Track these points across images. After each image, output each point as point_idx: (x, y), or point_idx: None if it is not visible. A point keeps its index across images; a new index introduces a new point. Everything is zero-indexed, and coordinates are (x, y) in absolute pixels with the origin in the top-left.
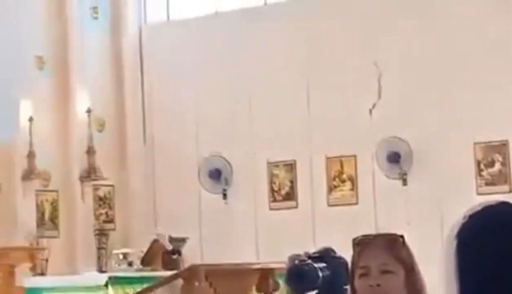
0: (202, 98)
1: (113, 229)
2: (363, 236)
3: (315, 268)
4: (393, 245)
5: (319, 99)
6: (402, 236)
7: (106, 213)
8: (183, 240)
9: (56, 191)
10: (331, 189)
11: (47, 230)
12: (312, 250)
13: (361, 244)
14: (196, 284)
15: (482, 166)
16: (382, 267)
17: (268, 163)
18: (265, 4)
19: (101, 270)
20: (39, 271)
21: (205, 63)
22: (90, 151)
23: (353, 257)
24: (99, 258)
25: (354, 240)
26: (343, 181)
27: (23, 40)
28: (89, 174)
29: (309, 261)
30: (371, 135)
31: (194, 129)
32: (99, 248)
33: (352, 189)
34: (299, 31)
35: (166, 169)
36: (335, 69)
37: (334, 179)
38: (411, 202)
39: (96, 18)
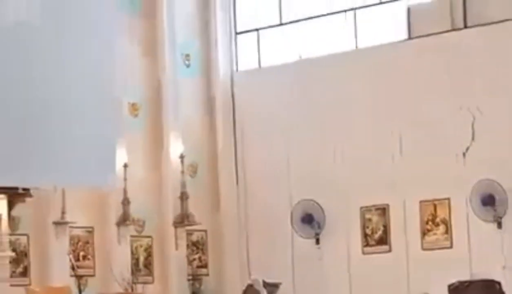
0: (294, 142)
1: (207, 274)
2: (459, 282)
3: None
4: (490, 291)
5: (412, 143)
6: (499, 283)
7: (200, 258)
8: (276, 286)
9: (150, 237)
10: (424, 232)
11: (141, 275)
12: None
13: (457, 290)
14: None
15: None
16: None
17: (361, 207)
18: (356, 48)
19: None
20: None
21: (296, 108)
22: (183, 197)
23: None
24: None
25: (449, 286)
26: (436, 225)
27: (118, 88)
28: (183, 219)
29: None
30: (464, 179)
31: (286, 174)
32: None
33: (446, 233)
34: (389, 76)
35: (259, 214)
36: (427, 113)
37: (427, 223)
38: (507, 245)
39: (188, 65)
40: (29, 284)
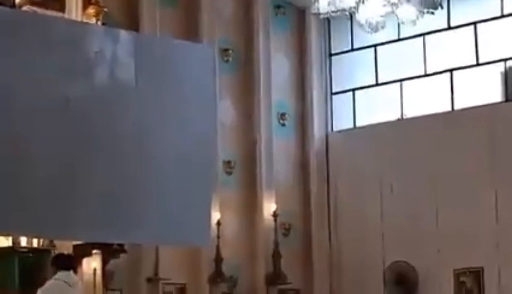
0: (388, 203)
1: None
2: None
3: None
4: None
5: (508, 203)
6: None
7: None
8: None
9: None
10: None
11: None
12: None
13: None
14: None
15: None
16: None
17: (455, 270)
18: (452, 110)
19: None
20: None
21: (391, 168)
22: (275, 255)
23: None
24: None
25: None
26: None
27: (214, 146)
28: (275, 278)
29: None
30: None
31: (379, 235)
32: None
33: None
34: (489, 137)
35: (351, 275)
36: None
37: None
38: None
39: (283, 124)
40: None
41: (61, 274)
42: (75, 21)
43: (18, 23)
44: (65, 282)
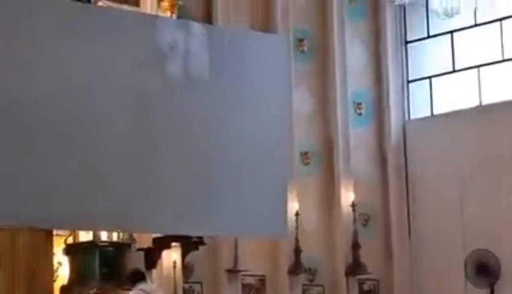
0: (468, 191)
1: None
2: None
3: None
4: None
5: None
6: None
7: None
8: None
9: (322, 286)
10: None
11: None
12: None
13: None
14: None
15: None
16: None
17: None
18: None
19: None
20: None
21: (471, 156)
22: (355, 246)
23: None
24: None
25: None
26: None
27: (291, 137)
28: (355, 268)
29: None
30: None
31: (460, 224)
32: None
33: None
34: None
35: (432, 264)
36: None
37: None
38: None
39: (360, 114)
40: None
41: (139, 285)
42: (146, 14)
43: (91, 19)
44: (144, 291)
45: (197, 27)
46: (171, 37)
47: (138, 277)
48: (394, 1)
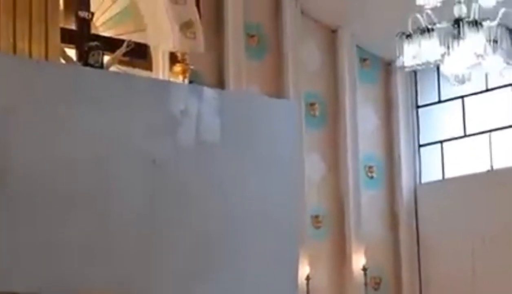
0: (481, 258)
1: None
2: None
3: None
4: None
5: None
6: None
7: None
8: None
9: None
10: None
11: None
12: None
13: None
14: None
15: None
16: None
17: None
18: None
19: None
20: None
21: (483, 221)
22: None
23: None
24: None
25: None
26: None
27: (301, 201)
28: None
29: None
30: None
31: (470, 288)
32: None
33: None
34: None
35: None
36: None
37: None
38: None
39: (371, 177)
40: None
41: None
42: (159, 80)
43: (103, 85)
44: None
45: (209, 92)
46: (184, 103)
47: None
48: (405, 67)
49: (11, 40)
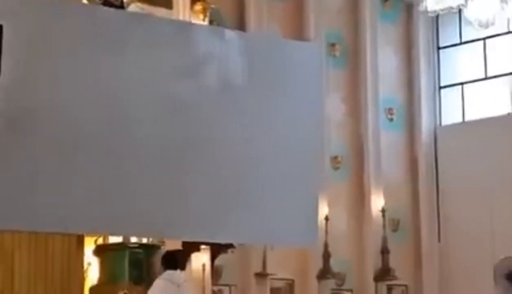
0: (498, 198)
1: None
2: None
3: None
4: None
5: None
6: None
7: None
8: None
9: (351, 291)
10: None
11: None
12: None
13: None
14: None
15: None
16: None
17: None
18: None
19: None
20: None
21: (502, 163)
22: (384, 251)
23: None
24: None
25: None
26: None
27: (321, 142)
28: (383, 274)
29: None
30: None
31: (489, 231)
32: None
33: None
34: None
35: (460, 271)
36: None
37: None
38: None
39: (391, 119)
40: None
41: (167, 273)
42: (181, 22)
43: (124, 26)
44: (171, 281)
45: (231, 34)
46: (207, 45)
47: (170, 263)
48: (427, 12)
49: None
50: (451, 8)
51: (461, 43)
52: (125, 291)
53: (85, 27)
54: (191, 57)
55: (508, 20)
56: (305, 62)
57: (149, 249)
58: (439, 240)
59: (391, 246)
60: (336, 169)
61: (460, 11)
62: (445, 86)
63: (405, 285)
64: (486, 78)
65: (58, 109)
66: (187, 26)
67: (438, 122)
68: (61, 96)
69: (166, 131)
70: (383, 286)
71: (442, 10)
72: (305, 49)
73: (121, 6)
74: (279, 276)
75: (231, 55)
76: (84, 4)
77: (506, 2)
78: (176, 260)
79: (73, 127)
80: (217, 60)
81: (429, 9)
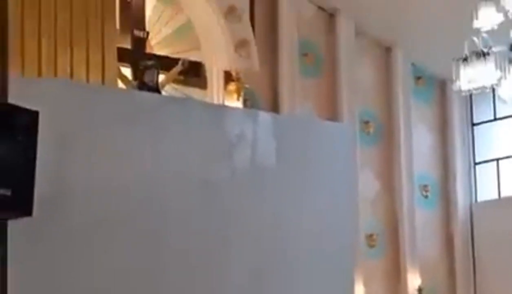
0: None
1: None
2: None
3: None
4: None
5: None
6: None
7: None
8: None
9: None
10: None
11: None
12: None
13: None
14: None
15: None
16: None
17: None
18: None
19: None
20: None
21: None
22: None
23: None
24: None
25: None
26: None
27: (356, 220)
28: None
29: None
30: None
31: None
32: None
33: None
34: None
35: None
36: None
37: None
38: None
39: (426, 196)
40: None
41: None
42: (215, 105)
43: (159, 110)
44: None
45: (264, 116)
46: (239, 127)
47: None
48: (461, 91)
49: (68, 69)
50: (485, 87)
51: (495, 119)
52: None
53: (121, 112)
54: (225, 140)
55: None
56: (338, 142)
57: None
58: None
59: None
60: (372, 246)
61: (493, 89)
62: (480, 163)
63: None
64: None
65: (95, 192)
66: (221, 109)
67: (473, 198)
68: (98, 178)
69: (197, 212)
70: None
71: (475, 89)
72: (338, 129)
73: (156, 87)
74: None
75: (263, 137)
76: (121, 89)
77: None
78: None
79: (109, 208)
80: (250, 142)
81: (462, 88)
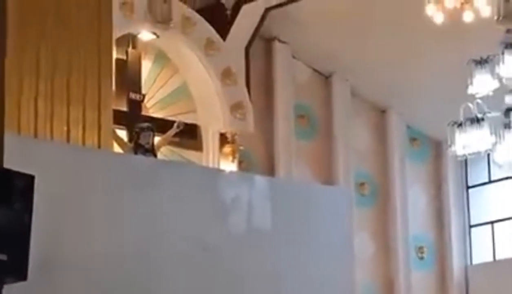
0: None
1: None
2: None
3: None
4: None
5: None
6: None
7: None
8: None
9: None
10: None
11: None
12: None
13: None
14: None
15: None
16: None
17: None
18: None
19: None
20: None
21: None
22: None
23: None
24: None
25: None
26: None
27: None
28: None
29: None
30: None
31: None
32: None
33: None
34: None
35: None
36: None
37: None
38: None
39: (422, 257)
40: None
41: None
42: (210, 169)
43: (155, 173)
44: None
45: (259, 180)
46: (234, 191)
47: None
48: (456, 156)
49: (65, 128)
50: (479, 152)
51: (490, 182)
52: None
53: (117, 176)
54: (219, 203)
55: None
56: (335, 206)
57: None
58: None
59: None
60: None
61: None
62: (475, 225)
63: None
64: None
65: (90, 256)
66: (216, 173)
67: (469, 261)
68: (94, 242)
69: (193, 276)
70: None
71: (470, 154)
72: (335, 193)
73: (152, 149)
74: None
75: (258, 200)
76: (117, 153)
77: None
78: None
79: (104, 273)
80: (245, 206)
81: (457, 153)
